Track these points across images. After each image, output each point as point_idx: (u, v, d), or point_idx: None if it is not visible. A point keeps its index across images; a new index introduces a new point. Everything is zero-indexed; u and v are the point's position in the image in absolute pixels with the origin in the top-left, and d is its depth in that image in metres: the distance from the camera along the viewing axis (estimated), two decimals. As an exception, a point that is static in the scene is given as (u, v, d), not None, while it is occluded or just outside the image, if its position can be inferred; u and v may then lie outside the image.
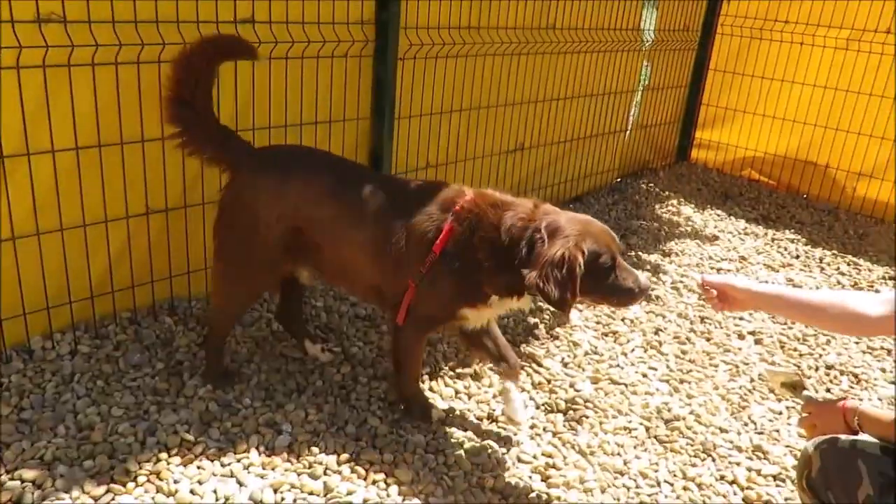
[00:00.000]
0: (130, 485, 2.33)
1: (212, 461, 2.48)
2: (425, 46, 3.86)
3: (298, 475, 2.47)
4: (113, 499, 2.27)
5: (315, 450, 2.59)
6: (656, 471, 2.76)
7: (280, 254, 2.73)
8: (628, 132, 6.16)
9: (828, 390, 3.48)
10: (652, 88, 6.24)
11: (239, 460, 2.50)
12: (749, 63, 6.45)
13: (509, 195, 2.61)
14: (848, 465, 2.01)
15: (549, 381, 3.21)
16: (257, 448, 2.57)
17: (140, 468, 2.39)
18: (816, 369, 3.63)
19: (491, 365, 3.22)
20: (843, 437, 2.11)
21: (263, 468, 2.49)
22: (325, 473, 2.49)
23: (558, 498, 2.55)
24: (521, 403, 2.84)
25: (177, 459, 2.46)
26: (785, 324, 4.08)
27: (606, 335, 3.68)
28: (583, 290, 2.36)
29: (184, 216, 3.19)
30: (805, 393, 2.50)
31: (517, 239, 2.43)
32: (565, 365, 3.38)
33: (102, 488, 2.30)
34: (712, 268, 4.73)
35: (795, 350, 3.80)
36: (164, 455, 2.47)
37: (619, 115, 5.86)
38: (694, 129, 6.86)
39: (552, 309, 2.50)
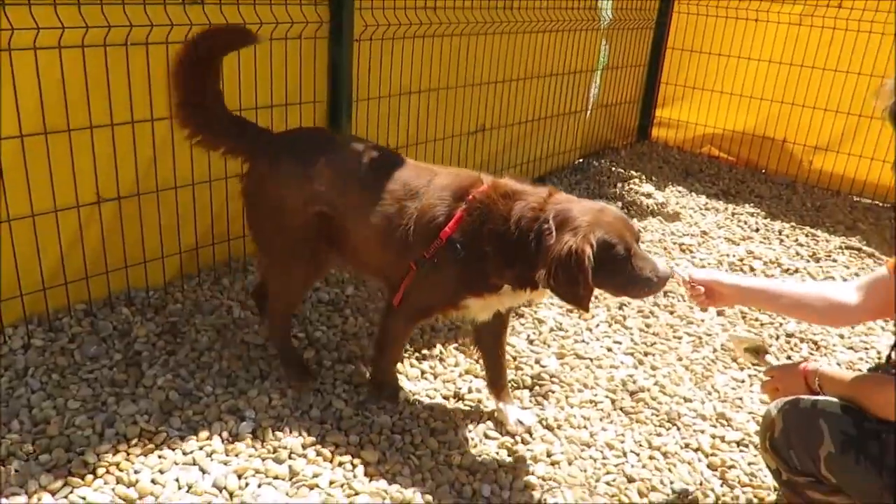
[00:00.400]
0: (89, 477, 2.28)
1: (173, 450, 2.44)
2: (381, 27, 3.82)
3: (263, 460, 2.44)
4: (71, 492, 2.22)
5: (279, 434, 2.56)
6: (622, 441, 2.78)
7: (314, 238, 2.66)
8: (589, 112, 6.18)
9: (788, 358, 3.53)
10: (611, 68, 6.26)
11: (201, 448, 2.46)
12: (706, 40, 6.50)
13: (528, 183, 2.51)
14: (809, 425, 2.03)
15: (514, 359, 3.21)
16: (220, 435, 2.53)
17: (99, 460, 2.34)
18: (777, 338, 3.69)
19: (456, 345, 3.22)
20: (804, 398, 2.13)
21: (227, 455, 2.45)
22: (290, 457, 2.46)
23: (526, 472, 2.56)
24: (519, 413, 2.81)
25: (137, 450, 2.41)
26: (746, 295, 4.13)
27: (571, 311, 3.69)
28: (597, 283, 2.25)
29: (137, 204, 3.11)
30: (767, 358, 2.52)
31: (526, 231, 2.33)
32: (531, 342, 3.39)
33: (60, 482, 2.24)
34: (675, 243, 4.77)
35: (756, 320, 3.85)
36: (123, 446, 2.41)
37: (579, 95, 5.87)
38: (654, 108, 6.91)
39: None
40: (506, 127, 5.13)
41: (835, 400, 2.11)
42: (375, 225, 2.55)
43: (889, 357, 2.23)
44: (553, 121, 5.62)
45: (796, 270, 4.46)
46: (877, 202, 5.81)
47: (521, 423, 2.77)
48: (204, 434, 2.52)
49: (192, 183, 3.26)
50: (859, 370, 2.93)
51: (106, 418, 2.52)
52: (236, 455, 2.46)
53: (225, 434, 2.54)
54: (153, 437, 2.47)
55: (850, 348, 3.65)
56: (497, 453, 2.64)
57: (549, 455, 2.65)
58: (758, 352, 2.54)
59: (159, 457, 2.40)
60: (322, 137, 2.81)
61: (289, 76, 3.53)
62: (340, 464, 2.47)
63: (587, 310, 2.31)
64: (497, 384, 2.77)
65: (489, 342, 2.78)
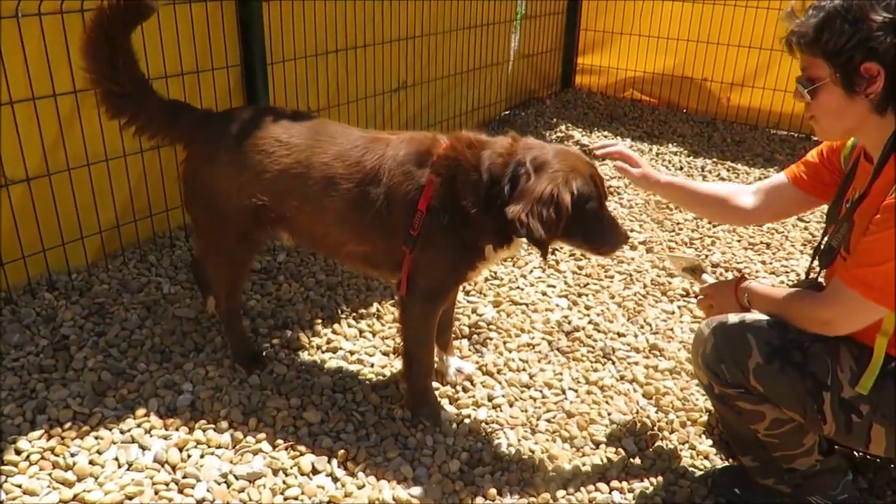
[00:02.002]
0: (23, 464, 2.22)
1: (110, 430, 2.39)
2: (290, -14, 3.73)
3: (204, 431, 2.42)
4: (6, 481, 2.16)
5: (219, 404, 2.53)
6: (560, 380, 2.85)
7: (250, 224, 2.54)
8: (511, 63, 6.18)
9: (715, 286, 3.65)
10: (530, 17, 6.26)
11: (139, 425, 2.42)
12: (621, -16, 6.56)
13: (483, 134, 2.40)
14: (738, 339, 2.11)
15: (454, 309, 3.24)
16: (157, 411, 2.49)
17: (32, 446, 2.28)
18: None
19: (393, 301, 3.23)
20: (733, 315, 2.21)
21: (166, 429, 2.42)
22: (230, 427, 2.44)
23: (468, 416, 2.60)
24: (458, 363, 2.84)
25: (72, 433, 2.35)
26: (672, 231, 4.25)
27: (505, 260, 3.74)
28: (564, 233, 2.21)
29: (48, 184, 2.99)
30: (704, 276, 2.55)
31: (498, 176, 2.24)
32: (467, 293, 3.42)
33: (-8, 472, 2.18)
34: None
35: (684, 254, 3.97)
36: (56, 430, 2.35)
37: (499, 46, 5.86)
38: (576, 56, 6.95)
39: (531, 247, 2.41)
40: (428, 83, 5.09)
41: (762, 315, 2.19)
42: (339, 216, 2.42)
43: (808, 274, 2.34)
44: (475, 74, 5.61)
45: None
46: (792, 133, 6.01)
47: (460, 371, 2.81)
48: (141, 411, 2.47)
49: (105, 159, 3.14)
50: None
51: (36, 405, 2.45)
52: (176, 429, 2.42)
53: (162, 409, 2.50)
54: (88, 419, 2.42)
55: (773, 273, 3.81)
56: (440, 403, 2.67)
57: (490, 399, 2.70)
58: (695, 270, 2.58)
59: (96, 438, 2.35)
60: (258, 117, 2.58)
61: (197, 42, 3.41)
62: (283, 427, 2.47)
63: (546, 255, 2.27)
64: (442, 338, 2.74)
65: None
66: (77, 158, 3.06)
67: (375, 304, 3.25)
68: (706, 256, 3.94)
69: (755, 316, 2.16)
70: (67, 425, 2.38)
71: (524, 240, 2.26)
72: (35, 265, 3.04)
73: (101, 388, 2.57)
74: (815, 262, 2.27)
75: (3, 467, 2.19)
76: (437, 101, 5.24)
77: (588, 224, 2.27)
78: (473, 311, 3.26)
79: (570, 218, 2.18)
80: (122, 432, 2.39)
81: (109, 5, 2.41)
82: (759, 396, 2.11)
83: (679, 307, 3.45)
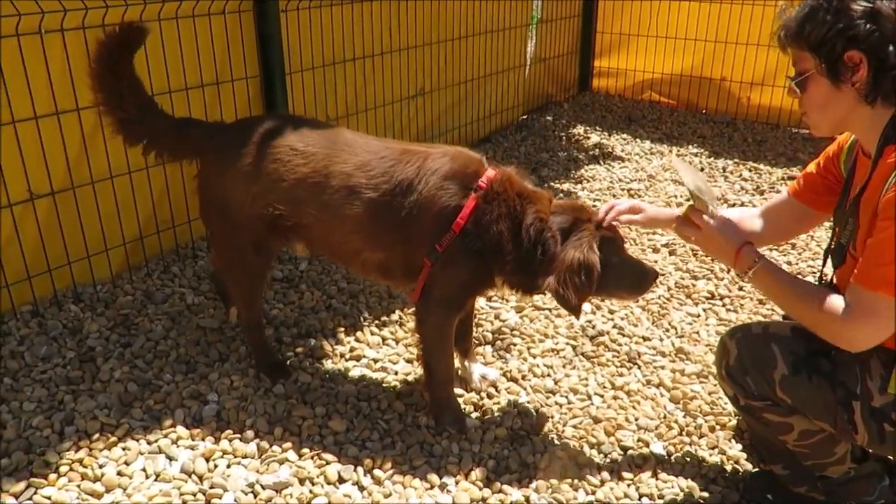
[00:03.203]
0: (52, 476, 2.23)
1: (137, 441, 2.40)
2: (307, -5, 3.75)
3: (230, 441, 2.42)
4: (35, 493, 2.17)
5: (244, 414, 2.53)
6: (586, 385, 2.83)
7: (265, 233, 2.54)
8: (528, 67, 6.17)
9: (740, 288, 3.61)
10: (546, 21, 6.25)
11: (166, 435, 2.43)
12: (637, -14, 6.53)
13: (527, 181, 2.45)
14: (762, 350, 2.07)
15: (474, 316, 3.22)
16: (184, 421, 2.50)
17: (61, 458, 2.29)
18: (728, 271, 3.77)
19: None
20: (755, 323, 2.19)
21: (193, 439, 2.42)
22: (256, 436, 2.45)
23: (494, 423, 2.58)
24: (482, 369, 2.83)
25: (99, 444, 2.37)
26: (695, 233, 4.21)
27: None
28: (596, 290, 2.30)
29: (73, 197, 3.02)
30: (712, 208, 2.15)
31: (535, 241, 2.32)
32: (489, 299, 3.40)
33: (22, 484, 2.19)
34: (623, 189, 4.82)
35: (708, 256, 3.92)
36: (85, 442, 2.37)
37: (516, 51, 5.85)
38: (592, 58, 6.93)
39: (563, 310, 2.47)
40: (445, 88, 5.09)
41: (783, 323, 2.16)
42: (360, 224, 2.42)
43: (820, 279, 2.28)
44: (492, 79, 5.60)
45: (742, 205, 4.55)
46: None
47: (484, 378, 2.79)
48: (167, 422, 2.48)
49: (128, 171, 3.17)
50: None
51: (64, 416, 2.47)
52: (202, 439, 2.43)
53: (189, 420, 2.51)
54: (115, 430, 2.43)
55: (799, 274, 3.75)
56: (464, 409, 2.65)
57: (515, 406, 2.68)
58: (702, 194, 2.18)
59: (123, 449, 2.36)
60: (273, 126, 2.56)
61: (217, 53, 3.44)
62: (309, 436, 2.47)
63: (579, 314, 2.34)
64: (462, 345, 2.74)
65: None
66: (101, 172, 3.09)
67: (398, 312, 3.24)
68: (730, 258, 3.89)
69: (778, 323, 2.14)
70: (95, 437, 2.40)
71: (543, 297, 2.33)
72: (61, 278, 3.07)
73: (128, 400, 2.59)
74: (828, 266, 2.22)
75: (32, 479, 2.20)
76: (454, 106, 5.24)
77: (615, 275, 2.34)
78: (496, 316, 3.24)
79: (599, 277, 2.26)
80: (149, 443, 2.40)
81: (108, 36, 2.45)
82: (786, 408, 2.06)
83: (704, 310, 3.41)
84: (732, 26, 6.09)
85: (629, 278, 2.39)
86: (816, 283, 2.30)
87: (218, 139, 2.59)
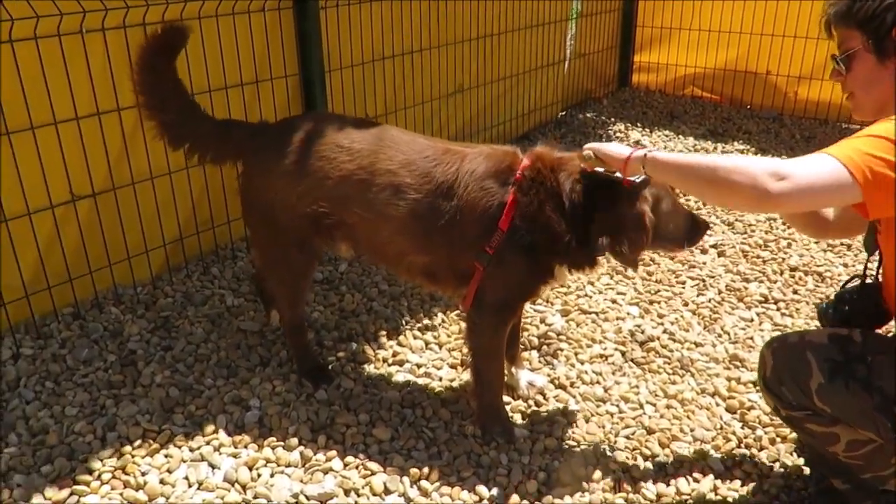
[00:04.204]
0: (95, 483, 2.19)
1: (179, 448, 2.35)
2: (347, -9, 3.68)
3: (273, 449, 2.36)
4: (78, 500, 2.14)
5: (287, 421, 2.48)
6: (637, 393, 2.72)
7: (310, 232, 2.48)
8: (567, 63, 6.05)
9: (795, 292, 3.47)
10: (586, 15, 6.12)
11: (208, 442, 2.38)
12: (679, -22, 6.36)
13: (557, 150, 2.33)
14: (798, 360, 2.02)
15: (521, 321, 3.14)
16: (226, 428, 2.45)
17: (103, 465, 2.26)
18: (781, 273, 3.63)
19: (457, 313, 3.14)
20: (792, 333, 2.16)
21: (235, 447, 2.37)
22: (300, 443, 2.38)
23: (543, 433, 2.49)
24: (529, 375, 2.73)
25: (142, 451, 2.33)
26: (745, 232, 4.07)
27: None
28: (651, 241, 2.21)
29: (114, 198, 2.99)
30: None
31: (578, 203, 2.20)
32: (534, 302, 3.31)
33: (65, 492, 2.15)
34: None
35: (758, 257, 3.79)
36: (127, 448, 2.33)
37: (555, 46, 5.73)
38: (632, 53, 6.78)
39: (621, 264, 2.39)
40: (485, 85, 5.00)
41: (821, 330, 2.12)
42: (404, 225, 2.34)
43: (864, 277, 2.23)
44: (532, 75, 5.49)
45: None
46: (866, 125, 5.73)
47: (532, 385, 2.70)
48: (209, 428, 2.43)
49: (168, 172, 3.13)
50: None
51: (106, 422, 2.43)
52: (245, 446, 2.38)
53: (231, 426, 2.46)
54: (157, 436, 2.39)
55: (855, 276, 3.59)
56: (512, 418, 2.57)
57: (565, 415, 2.59)
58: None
59: (165, 456, 2.32)
60: (317, 124, 2.50)
61: (256, 52, 3.39)
62: (353, 444, 2.40)
63: (637, 268, 2.31)
64: (510, 351, 2.63)
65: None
66: (141, 172, 3.05)
67: (440, 315, 3.17)
68: (783, 259, 3.75)
69: (814, 331, 2.09)
70: (137, 443, 2.36)
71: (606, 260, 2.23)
72: (101, 279, 3.05)
73: (170, 405, 2.54)
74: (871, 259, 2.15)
75: (75, 487, 2.17)
76: (493, 104, 5.14)
77: (667, 224, 2.26)
78: (542, 321, 3.14)
79: (654, 226, 2.17)
80: (191, 450, 2.35)
81: (149, 38, 2.43)
82: (828, 418, 2.00)
83: (758, 314, 3.28)
84: (779, 19, 5.89)
85: (680, 228, 2.31)
86: (859, 280, 2.22)
87: (261, 139, 2.54)
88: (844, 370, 1.94)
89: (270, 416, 2.50)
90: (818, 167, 1.70)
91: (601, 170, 2.15)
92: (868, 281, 2.23)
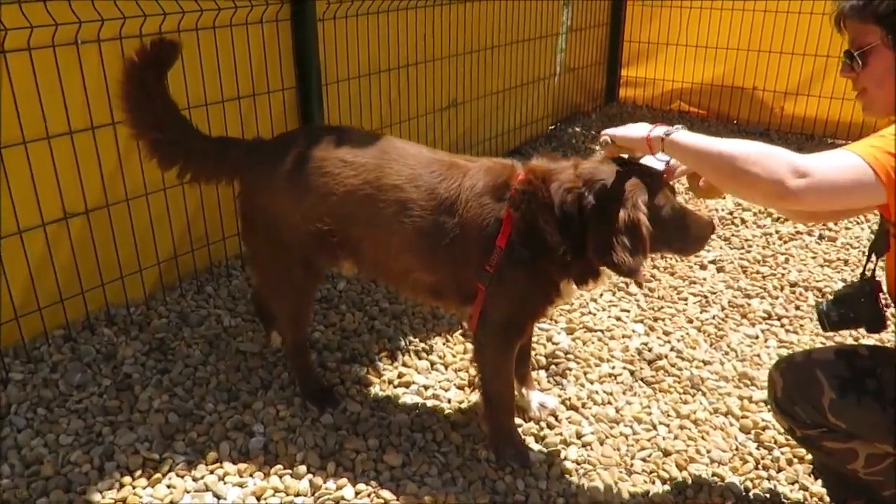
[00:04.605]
0: (95, 518, 2.09)
1: (182, 477, 2.25)
2: (345, 4, 3.61)
3: (280, 477, 2.27)
4: (77, 537, 2.03)
5: (293, 447, 2.38)
6: (650, 414, 2.67)
7: (314, 250, 2.41)
8: (557, 77, 6.04)
9: (797, 308, 3.46)
10: (575, 30, 6.12)
11: (212, 471, 2.28)
12: (666, -7, 6.40)
13: (553, 160, 2.23)
14: (806, 377, 2.02)
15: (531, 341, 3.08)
16: (230, 455, 2.35)
17: (103, 497, 2.15)
18: (782, 289, 3.62)
19: (461, 331, 3.07)
20: (798, 352, 2.15)
21: (240, 475, 2.27)
22: (308, 471, 2.29)
23: (558, 456, 2.43)
24: (540, 397, 2.67)
25: (142, 481, 2.22)
26: (741, 248, 4.06)
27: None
28: (652, 248, 2.07)
29: (107, 216, 2.88)
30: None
31: (571, 214, 2.10)
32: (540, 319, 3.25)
33: (63, 527, 2.05)
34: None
35: (758, 273, 3.78)
36: (127, 479, 2.22)
37: (546, 60, 5.72)
38: (619, 68, 6.79)
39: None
40: (477, 100, 4.96)
41: (827, 347, 2.14)
42: (409, 242, 2.28)
43: (863, 275, 2.18)
44: (523, 89, 5.47)
45: (787, 219, 4.39)
46: (851, 142, 5.78)
47: (543, 406, 2.64)
48: (212, 455, 2.33)
49: (163, 188, 3.03)
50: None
51: (103, 450, 2.31)
52: (251, 475, 2.28)
53: (235, 453, 2.36)
54: (158, 465, 2.28)
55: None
56: (525, 441, 2.50)
57: (579, 437, 2.53)
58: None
59: (168, 486, 2.21)
60: (320, 138, 2.42)
61: (253, 64, 3.30)
62: (363, 471, 2.31)
63: (640, 278, 2.15)
64: (519, 372, 2.56)
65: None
66: (135, 188, 2.95)
67: (444, 334, 3.09)
68: (782, 275, 3.74)
69: (820, 349, 2.10)
70: (137, 473, 2.25)
71: (612, 273, 2.13)
72: (94, 300, 2.93)
73: (170, 431, 2.44)
74: (872, 257, 2.13)
75: (74, 521, 2.06)
76: (485, 117, 5.11)
77: (669, 229, 2.12)
78: (548, 339, 3.09)
79: (652, 234, 2.03)
80: (194, 479, 2.25)
81: (138, 53, 2.32)
82: (844, 433, 1.99)
83: (762, 331, 3.25)
84: (765, 35, 5.94)
85: (685, 231, 2.15)
86: (859, 278, 2.19)
87: (260, 156, 2.45)
88: (855, 385, 1.93)
89: (276, 442, 2.41)
90: (841, 164, 1.66)
91: (625, 156, 2.09)
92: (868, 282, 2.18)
